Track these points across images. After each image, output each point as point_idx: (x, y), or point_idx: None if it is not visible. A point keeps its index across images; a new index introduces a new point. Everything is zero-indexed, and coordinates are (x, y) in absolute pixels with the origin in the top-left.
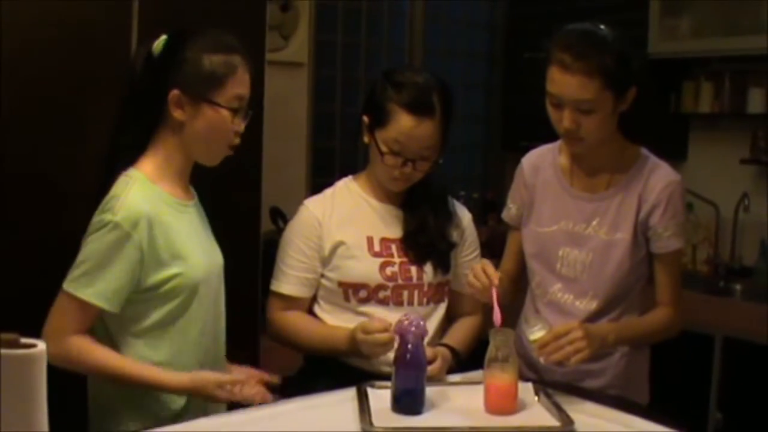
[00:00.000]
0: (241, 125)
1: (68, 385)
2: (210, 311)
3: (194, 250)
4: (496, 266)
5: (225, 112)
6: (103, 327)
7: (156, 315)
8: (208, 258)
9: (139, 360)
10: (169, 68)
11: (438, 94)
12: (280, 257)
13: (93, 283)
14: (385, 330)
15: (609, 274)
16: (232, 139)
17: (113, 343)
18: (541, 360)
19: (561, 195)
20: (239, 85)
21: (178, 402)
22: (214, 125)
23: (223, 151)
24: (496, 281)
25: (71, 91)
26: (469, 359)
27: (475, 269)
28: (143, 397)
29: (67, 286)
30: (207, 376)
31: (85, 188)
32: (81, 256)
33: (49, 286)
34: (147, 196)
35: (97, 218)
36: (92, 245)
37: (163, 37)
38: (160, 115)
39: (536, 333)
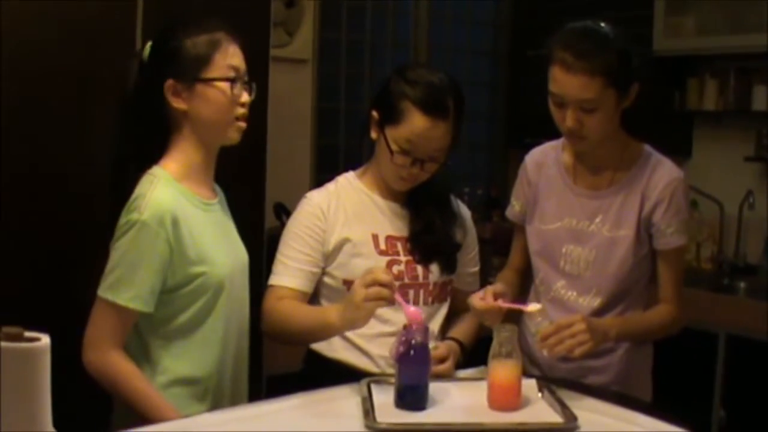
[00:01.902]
0: (243, 95)
1: (78, 379)
2: (236, 310)
3: (219, 249)
4: (501, 264)
5: (222, 85)
6: (136, 333)
7: (183, 316)
8: (232, 257)
9: (172, 362)
10: (159, 65)
11: (452, 96)
12: (281, 251)
13: (129, 286)
14: (385, 272)
15: (612, 271)
16: (237, 110)
17: (145, 349)
18: (544, 353)
19: (564, 192)
20: (228, 57)
21: (197, 390)
22: (215, 101)
23: (233, 125)
24: (493, 303)
25: (74, 90)
26: (472, 355)
27: (474, 303)
28: (163, 390)
29: (104, 293)
30: None
31: (88, 186)
32: (112, 261)
33: (52, 281)
34: (172, 194)
35: (123, 220)
36: (122, 248)
37: (149, 43)
38: (166, 113)
39: (538, 325)
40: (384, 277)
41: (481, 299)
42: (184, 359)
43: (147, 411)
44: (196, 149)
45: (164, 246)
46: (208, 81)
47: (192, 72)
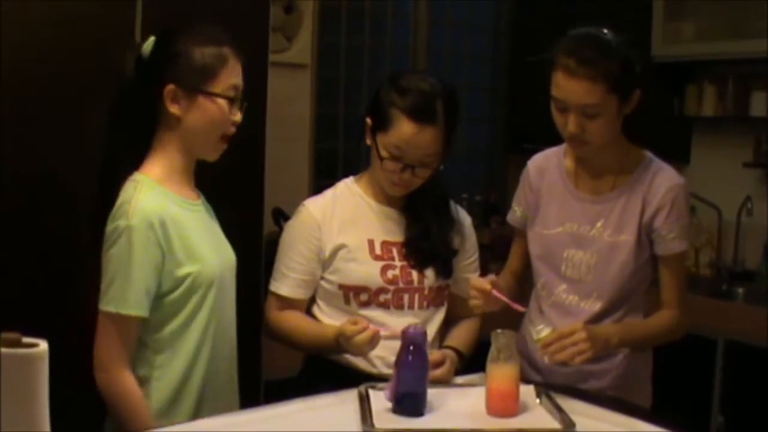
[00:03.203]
0: (238, 115)
1: (76, 385)
2: (225, 310)
3: (207, 248)
4: (500, 270)
5: (221, 102)
6: None
7: (177, 319)
8: (220, 256)
9: (166, 365)
10: (161, 66)
11: (442, 101)
12: (279, 258)
13: (128, 295)
14: (364, 329)
15: (613, 276)
16: (229, 128)
17: (140, 354)
18: (545, 359)
19: (566, 197)
20: (232, 75)
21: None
22: (211, 116)
23: (219, 143)
24: (488, 287)
25: (74, 90)
26: (470, 361)
27: (469, 292)
28: (157, 395)
29: (106, 306)
30: None
31: (87, 188)
32: (108, 272)
33: (49, 287)
34: (157, 198)
35: (111, 227)
36: (115, 256)
37: (152, 38)
38: (157, 115)
39: (541, 333)
40: (365, 338)
41: (478, 282)
42: (178, 361)
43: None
44: (180, 153)
45: (156, 249)
46: (210, 95)
47: (195, 81)
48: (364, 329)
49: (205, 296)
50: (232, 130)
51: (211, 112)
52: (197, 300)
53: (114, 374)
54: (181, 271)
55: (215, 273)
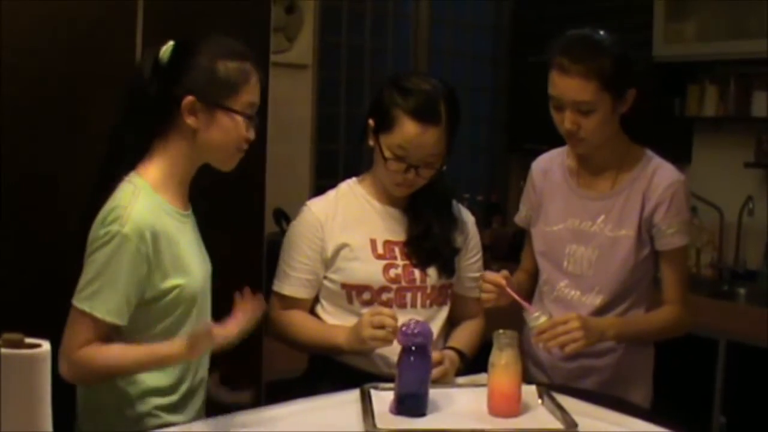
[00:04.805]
0: (252, 132)
1: (64, 386)
2: (203, 319)
3: (194, 260)
4: (502, 268)
5: (239, 119)
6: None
7: (158, 327)
8: (203, 268)
9: (142, 375)
10: (181, 75)
11: (445, 102)
12: (282, 258)
13: (106, 299)
14: (392, 317)
15: (614, 270)
16: (242, 145)
17: None
18: (540, 346)
19: (568, 195)
20: (252, 93)
21: (171, 400)
22: (229, 132)
23: (235, 156)
24: (502, 281)
25: (75, 91)
26: (473, 362)
27: (482, 286)
28: (133, 400)
29: (80, 303)
30: (197, 330)
31: (87, 189)
32: (91, 271)
33: (52, 287)
34: (152, 207)
35: (103, 230)
36: (101, 259)
37: (171, 43)
38: (170, 122)
39: (536, 320)
40: (390, 321)
41: (492, 276)
42: (157, 370)
43: (129, 366)
44: (185, 163)
45: (143, 261)
46: (231, 111)
47: (216, 96)
48: (386, 327)
49: (189, 309)
50: (245, 146)
51: (228, 128)
52: (181, 312)
53: (78, 356)
54: (168, 283)
55: (199, 287)
